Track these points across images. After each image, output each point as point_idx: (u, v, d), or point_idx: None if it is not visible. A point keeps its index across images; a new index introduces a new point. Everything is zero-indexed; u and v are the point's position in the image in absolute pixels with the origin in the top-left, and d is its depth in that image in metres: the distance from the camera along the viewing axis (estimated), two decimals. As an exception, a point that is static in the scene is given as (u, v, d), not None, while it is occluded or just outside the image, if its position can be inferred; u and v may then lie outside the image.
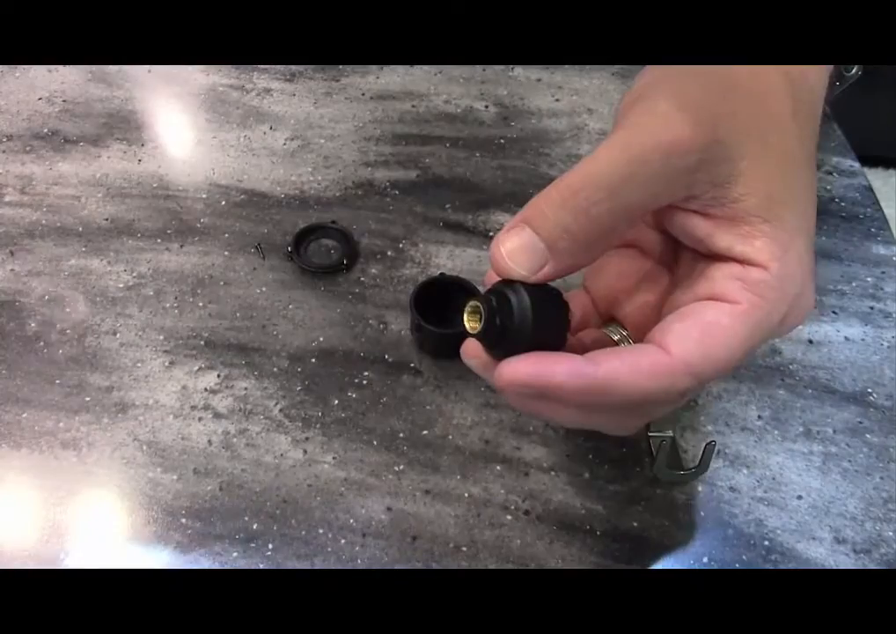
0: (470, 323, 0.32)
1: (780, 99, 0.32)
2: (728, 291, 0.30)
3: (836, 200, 0.56)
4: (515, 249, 0.30)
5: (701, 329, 0.30)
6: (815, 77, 0.34)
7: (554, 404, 0.31)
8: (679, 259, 0.35)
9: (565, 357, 0.30)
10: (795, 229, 0.31)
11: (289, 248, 0.52)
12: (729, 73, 0.31)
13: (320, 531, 0.42)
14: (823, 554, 0.42)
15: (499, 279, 0.32)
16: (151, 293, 0.50)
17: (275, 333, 0.49)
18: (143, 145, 0.59)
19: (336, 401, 0.46)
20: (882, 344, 0.49)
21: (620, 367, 0.30)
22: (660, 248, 0.36)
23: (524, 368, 0.30)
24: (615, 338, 0.37)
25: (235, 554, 0.41)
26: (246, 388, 0.46)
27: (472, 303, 0.32)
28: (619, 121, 0.31)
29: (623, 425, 0.34)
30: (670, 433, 0.45)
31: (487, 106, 0.62)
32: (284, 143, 0.59)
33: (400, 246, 0.53)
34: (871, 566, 0.41)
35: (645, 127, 0.29)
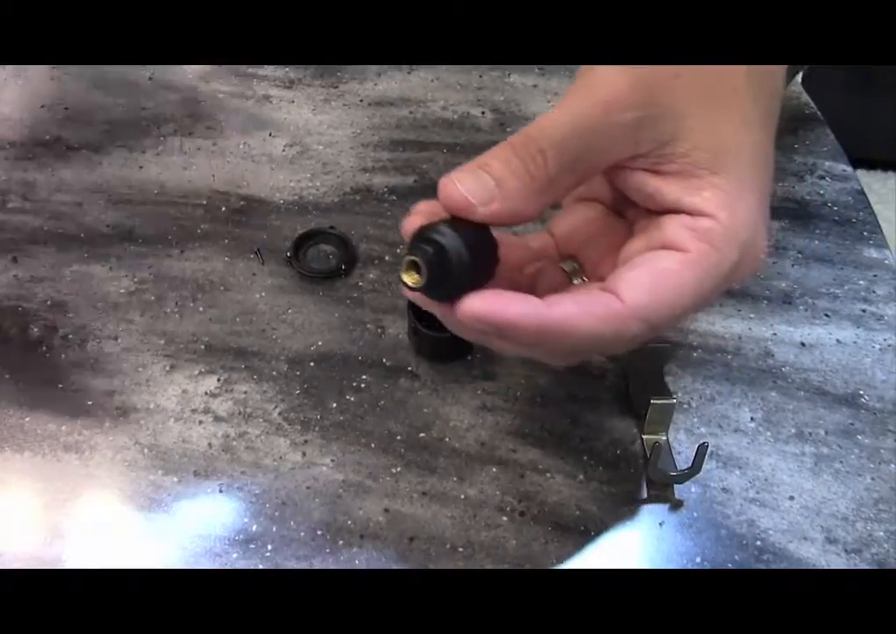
0: (410, 279, 0.32)
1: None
2: (678, 239, 0.32)
3: (829, 204, 0.57)
4: (466, 179, 0.32)
5: (651, 277, 0.31)
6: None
7: (508, 342, 0.33)
8: (637, 216, 0.36)
9: (522, 299, 0.31)
10: (744, 180, 0.32)
11: (288, 254, 0.53)
12: None
13: (319, 532, 0.42)
14: (814, 554, 0.42)
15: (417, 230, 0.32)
16: (152, 298, 0.51)
17: (274, 337, 0.49)
18: (143, 152, 0.59)
19: (334, 405, 0.47)
20: (873, 347, 0.50)
21: (574, 310, 0.31)
22: (621, 205, 0.38)
23: (481, 306, 0.31)
24: (567, 270, 0.38)
25: (235, 555, 0.41)
26: (245, 392, 0.47)
27: (408, 259, 0.32)
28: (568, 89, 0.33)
29: (567, 360, 0.36)
30: (663, 436, 0.45)
31: (483, 113, 0.62)
32: (283, 150, 0.60)
33: (398, 251, 0.54)
34: (862, 566, 0.42)
35: (587, 88, 0.32)
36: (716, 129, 0.32)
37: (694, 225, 0.32)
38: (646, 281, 0.31)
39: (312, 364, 0.48)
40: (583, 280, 0.38)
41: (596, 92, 0.31)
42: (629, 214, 0.37)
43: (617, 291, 0.31)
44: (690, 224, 0.32)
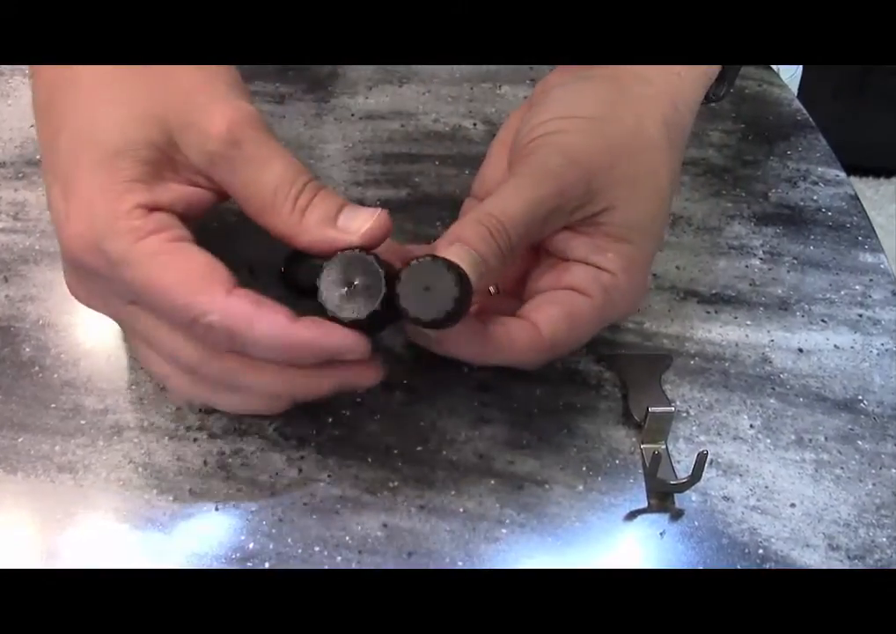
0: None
1: (656, 140, 0.42)
2: (584, 286, 0.40)
3: (823, 209, 0.57)
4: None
5: (568, 318, 0.40)
6: (692, 101, 0.45)
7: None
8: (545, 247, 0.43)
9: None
10: (646, 250, 0.42)
11: (282, 269, 0.52)
12: (616, 119, 0.41)
13: (316, 549, 0.42)
14: (817, 561, 0.42)
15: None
16: (145, 316, 0.51)
17: (268, 352, 0.49)
18: (135, 170, 0.59)
19: (330, 419, 0.46)
20: (871, 352, 0.50)
21: (511, 337, 0.40)
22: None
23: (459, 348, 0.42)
24: None
25: (232, 573, 0.41)
26: (240, 408, 0.47)
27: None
28: (522, 158, 0.41)
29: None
30: (662, 445, 0.45)
31: (475, 124, 0.62)
32: (275, 165, 0.59)
33: (392, 263, 0.53)
34: (866, 572, 0.42)
35: (545, 176, 0.39)
36: (635, 210, 0.41)
37: (598, 277, 0.40)
38: (563, 322, 0.40)
39: (306, 378, 0.48)
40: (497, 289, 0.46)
41: (549, 184, 0.39)
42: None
43: (538, 323, 0.40)
44: (595, 276, 0.40)
